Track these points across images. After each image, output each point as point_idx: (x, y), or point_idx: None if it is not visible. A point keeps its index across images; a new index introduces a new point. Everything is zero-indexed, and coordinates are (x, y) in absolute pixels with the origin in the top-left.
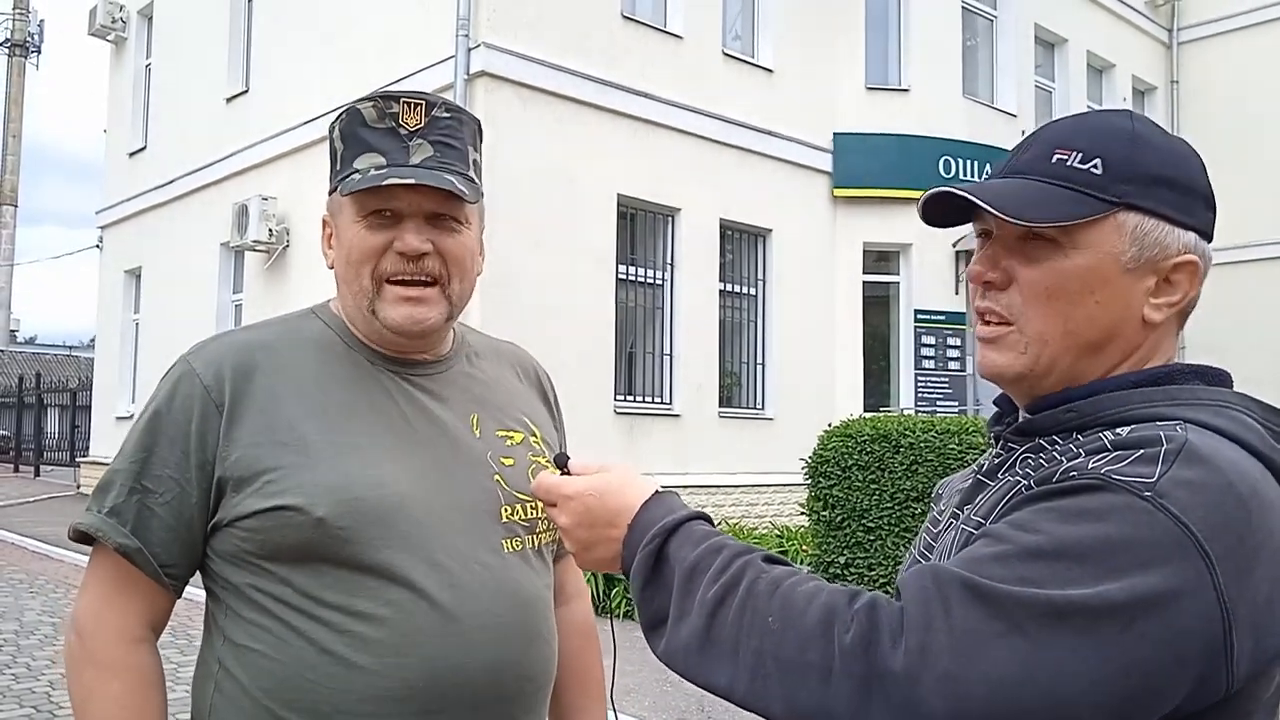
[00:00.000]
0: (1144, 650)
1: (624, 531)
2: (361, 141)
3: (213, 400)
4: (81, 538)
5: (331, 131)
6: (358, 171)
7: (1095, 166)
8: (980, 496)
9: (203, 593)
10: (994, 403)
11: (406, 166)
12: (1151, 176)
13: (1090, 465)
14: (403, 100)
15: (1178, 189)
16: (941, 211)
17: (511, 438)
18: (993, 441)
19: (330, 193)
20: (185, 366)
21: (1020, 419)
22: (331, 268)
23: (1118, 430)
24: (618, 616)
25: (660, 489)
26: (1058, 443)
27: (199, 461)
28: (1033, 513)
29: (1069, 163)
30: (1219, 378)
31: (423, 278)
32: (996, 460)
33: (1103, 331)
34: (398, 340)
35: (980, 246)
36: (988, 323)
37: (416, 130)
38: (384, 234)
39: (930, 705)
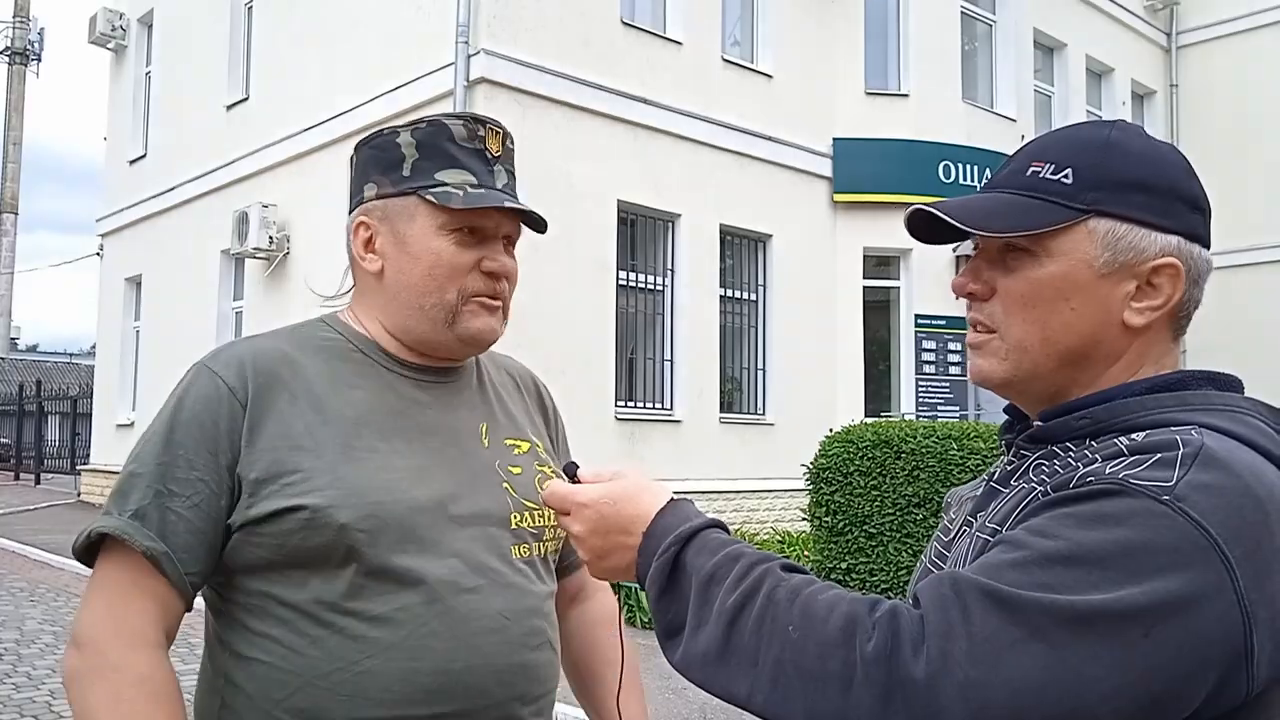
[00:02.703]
0: (1165, 654)
1: (638, 539)
2: (449, 156)
3: (238, 400)
4: (86, 551)
5: (396, 136)
6: (446, 185)
7: (1066, 176)
8: (994, 504)
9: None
10: (1005, 411)
11: (496, 190)
12: (1123, 182)
13: (1107, 470)
14: (489, 126)
15: (1153, 193)
16: (932, 230)
17: (519, 447)
18: (1004, 449)
19: (390, 196)
20: (204, 369)
21: (1032, 426)
22: (378, 273)
23: (1132, 435)
24: None
25: (675, 496)
26: (1071, 449)
27: (228, 462)
28: (1050, 518)
29: (1041, 174)
30: (1231, 383)
31: (497, 297)
32: (1009, 468)
33: (1081, 337)
34: (452, 348)
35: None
36: (976, 331)
37: (498, 157)
38: (473, 252)
39: (951, 713)
